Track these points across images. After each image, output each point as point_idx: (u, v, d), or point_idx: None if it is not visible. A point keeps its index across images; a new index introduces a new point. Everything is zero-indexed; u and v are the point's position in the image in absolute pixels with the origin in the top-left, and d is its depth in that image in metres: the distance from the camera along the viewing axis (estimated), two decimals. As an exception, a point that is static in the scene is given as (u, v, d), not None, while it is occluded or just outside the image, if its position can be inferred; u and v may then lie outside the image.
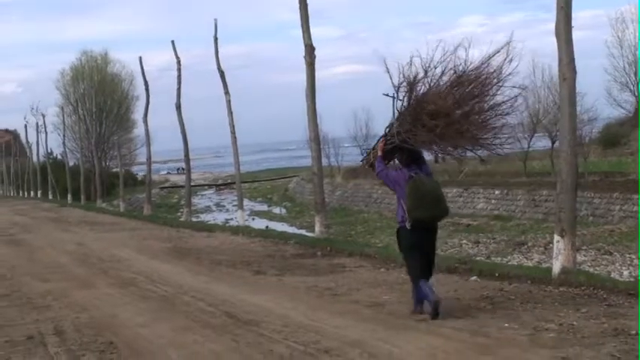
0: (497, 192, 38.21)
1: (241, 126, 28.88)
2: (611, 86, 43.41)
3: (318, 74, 19.61)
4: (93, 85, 68.87)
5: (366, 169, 10.85)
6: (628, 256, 23.00)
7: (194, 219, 34.69)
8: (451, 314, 9.51)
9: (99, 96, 66.45)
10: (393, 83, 9.95)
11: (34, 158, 70.97)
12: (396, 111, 10.11)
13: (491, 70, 9.83)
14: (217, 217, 46.62)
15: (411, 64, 9.80)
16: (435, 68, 9.79)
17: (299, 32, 19.49)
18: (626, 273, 20.72)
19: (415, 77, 9.80)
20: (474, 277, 12.56)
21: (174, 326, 9.99)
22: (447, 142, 9.92)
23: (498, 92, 9.92)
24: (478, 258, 22.18)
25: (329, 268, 14.77)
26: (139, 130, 64.52)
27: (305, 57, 19.47)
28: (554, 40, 11.74)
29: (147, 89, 37.54)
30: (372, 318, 9.83)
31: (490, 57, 9.84)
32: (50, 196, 61.57)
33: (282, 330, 9.31)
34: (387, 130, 10.18)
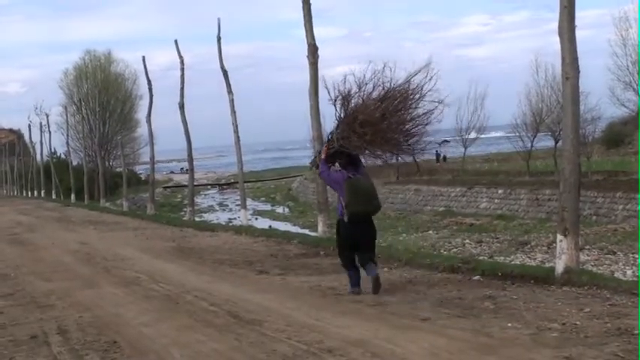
0: (500, 191, 38.25)
1: (244, 125, 28.86)
2: (615, 85, 43.28)
3: (321, 73, 19.61)
4: (96, 84, 69.07)
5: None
6: (631, 255, 23.02)
7: (197, 218, 34.73)
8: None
9: (102, 95, 66.67)
10: (330, 97, 11.64)
11: (38, 158, 71.02)
12: (335, 120, 11.67)
13: (414, 87, 11.50)
14: (220, 217, 46.70)
15: (345, 81, 11.45)
16: (367, 84, 11.44)
17: (302, 32, 19.50)
18: (629, 272, 20.75)
19: (349, 92, 11.44)
20: (477, 277, 12.55)
21: (177, 325, 10.00)
22: (375, 148, 11.56)
23: (419, 105, 11.61)
24: (481, 257, 22.20)
25: (332, 267, 14.73)
26: (142, 130, 64.77)
27: (308, 56, 19.47)
28: (558, 39, 11.74)
29: (150, 89, 37.54)
30: (375, 317, 9.83)
31: (412, 75, 11.50)
32: (54, 196, 61.59)
33: (285, 329, 9.31)
34: (330, 136, 11.78)
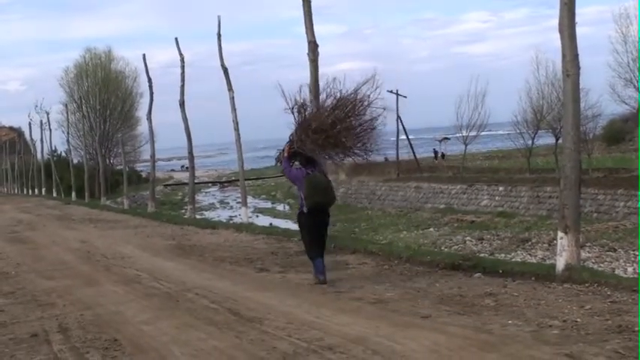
0: (501, 188, 38.25)
1: (245, 123, 28.83)
2: (615, 82, 43.26)
3: (321, 71, 19.58)
4: (97, 82, 69.15)
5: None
6: (632, 252, 23.03)
7: (198, 216, 34.76)
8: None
9: (103, 93, 66.75)
10: (287, 105, 12.94)
11: (38, 156, 71.07)
12: (293, 125, 12.94)
13: (361, 96, 12.88)
14: (221, 215, 46.76)
15: (300, 91, 13.01)
16: (320, 94, 13.05)
17: (302, 29, 19.47)
18: (630, 269, 20.76)
19: (304, 101, 12.99)
20: (478, 274, 12.55)
21: (177, 323, 10.00)
22: (326, 151, 12.85)
23: (366, 112, 12.98)
24: (482, 254, 22.22)
25: (332, 265, 14.73)
26: (142, 128, 64.76)
27: (308, 54, 19.42)
28: (558, 36, 11.73)
29: (151, 86, 37.56)
30: (376, 315, 9.83)
31: (360, 85, 12.90)
32: (54, 194, 61.62)
33: (286, 327, 9.32)
34: (290, 138, 12.92)
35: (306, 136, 12.49)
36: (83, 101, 66.10)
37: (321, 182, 12.42)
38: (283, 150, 13.08)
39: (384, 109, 13.22)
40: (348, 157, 13.63)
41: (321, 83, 13.16)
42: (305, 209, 12.49)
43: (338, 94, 12.94)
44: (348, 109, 12.87)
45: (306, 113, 12.90)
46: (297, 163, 12.65)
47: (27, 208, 44.71)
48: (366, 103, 12.95)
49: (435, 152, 73.52)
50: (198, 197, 55.57)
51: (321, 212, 12.55)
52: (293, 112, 12.94)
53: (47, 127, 63.81)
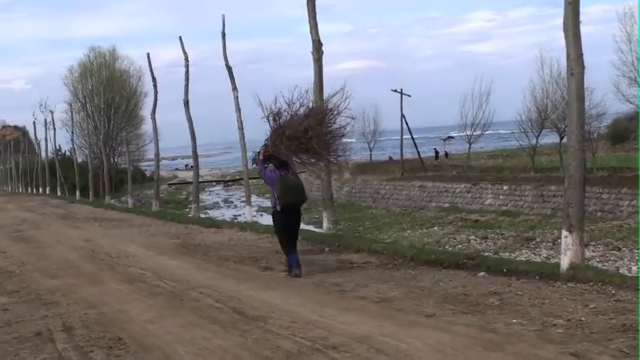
0: (505, 187, 38.23)
1: (249, 122, 28.78)
2: (620, 81, 43.15)
3: (325, 70, 19.59)
4: (101, 81, 69.14)
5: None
6: (636, 251, 23.00)
7: (202, 215, 34.72)
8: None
9: (107, 92, 66.67)
10: (264, 113, 14.11)
11: (43, 155, 71.16)
12: (269, 131, 14.01)
13: (331, 106, 14.34)
14: (225, 214, 46.80)
15: (276, 101, 14.02)
16: (294, 104, 13.93)
17: (307, 28, 19.48)
18: (634, 268, 20.74)
19: (279, 110, 13.95)
20: (482, 273, 12.55)
21: (182, 322, 10.01)
22: (298, 155, 13.93)
23: (336, 121, 14.27)
24: (486, 253, 22.20)
25: (337, 264, 14.76)
26: (147, 127, 64.78)
27: (312, 53, 19.45)
28: (563, 35, 11.72)
29: (155, 85, 37.53)
30: (380, 314, 9.82)
31: (331, 96, 14.56)
32: (59, 193, 61.71)
33: (290, 326, 9.32)
34: (265, 142, 13.96)
35: (280, 142, 13.54)
36: (87, 100, 66.10)
37: (294, 184, 13.54)
38: (259, 153, 14.22)
39: (353, 119, 14.83)
40: (319, 162, 14.97)
41: (296, 93, 13.98)
42: (278, 208, 13.53)
43: (310, 104, 14.46)
44: (320, 117, 14.14)
45: (281, 121, 13.92)
46: (271, 165, 13.84)
47: (31, 207, 44.75)
48: (336, 112, 14.33)
49: (436, 152, 73.44)
50: (203, 196, 55.59)
51: (293, 211, 13.62)
52: (268, 120, 14.08)
53: (52, 126, 63.92)
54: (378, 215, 40.11)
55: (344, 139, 14.75)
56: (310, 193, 53.69)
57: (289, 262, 13.60)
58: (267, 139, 14.00)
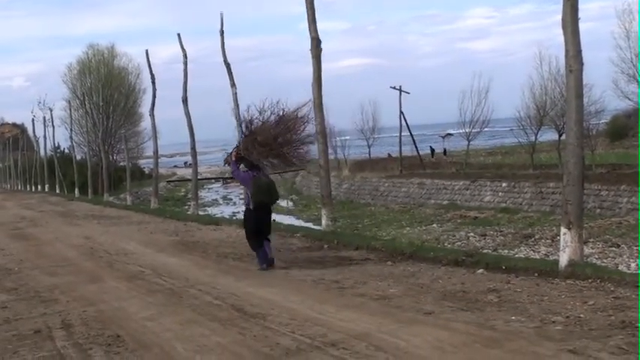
0: (504, 184, 38.23)
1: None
2: (619, 78, 43.09)
3: (324, 67, 19.58)
4: (100, 78, 69.12)
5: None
6: (635, 248, 23.00)
7: (201, 212, 34.69)
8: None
9: (106, 89, 66.68)
10: (237, 121, 15.61)
11: (42, 152, 71.20)
12: (242, 136, 15.04)
13: (300, 115, 15.22)
14: (224, 211, 46.73)
15: (248, 110, 15.13)
16: (266, 112, 14.90)
17: (306, 25, 19.47)
18: (633, 265, 20.74)
19: (251, 118, 14.95)
20: (481, 270, 12.55)
21: (181, 319, 10.01)
22: (268, 160, 14.82)
23: (304, 129, 15.24)
24: (485, 251, 22.24)
25: (336, 261, 14.78)
26: (145, 124, 64.75)
27: (311, 50, 19.45)
28: (561, 31, 11.71)
29: (153, 82, 37.53)
30: (379, 311, 9.83)
31: (300, 106, 15.34)
32: (57, 190, 61.73)
33: (289, 323, 9.32)
34: (238, 144, 14.90)
35: (252, 147, 14.46)
36: (86, 97, 65.89)
37: (266, 184, 14.51)
38: (231, 154, 15.16)
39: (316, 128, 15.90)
40: (288, 166, 15.99)
41: (266, 103, 14.98)
42: (251, 206, 14.47)
43: (281, 112, 15.16)
44: (289, 125, 15.01)
45: (253, 127, 14.88)
46: (242, 166, 14.82)
47: (30, 204, 44.74)
48: (304, 120, 15.36)
49: (432, 149, 73.35)
50: (201, 193, 55.57)
51: (264, 209, 14.57)
52: (241, 126, 15.39)
53: (50, 123, 64.00)
54: (376, 212, 40.11)
55: (311, 145, 15.89)
56: (309, 190, 53.75)
57: (259, 257, 14.38)
58: (238, 142, 15.09)
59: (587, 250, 17.37)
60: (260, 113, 15.02)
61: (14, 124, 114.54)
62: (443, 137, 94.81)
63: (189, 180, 50.83)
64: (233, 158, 14.89)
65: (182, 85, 32.55)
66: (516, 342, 7.90)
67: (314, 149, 17.04)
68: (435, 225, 33.45)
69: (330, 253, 16.08)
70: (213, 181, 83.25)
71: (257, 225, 14.44)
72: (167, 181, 72.60)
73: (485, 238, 27.82)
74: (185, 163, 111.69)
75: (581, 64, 11.66)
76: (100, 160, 55.16)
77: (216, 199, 61.41)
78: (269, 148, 14.50)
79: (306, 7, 19.39)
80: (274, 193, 14.82)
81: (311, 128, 15.75)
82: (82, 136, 66.98)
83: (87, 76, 71.07)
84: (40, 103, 65.19)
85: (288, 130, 14.92)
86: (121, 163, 66.94)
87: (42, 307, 11.63)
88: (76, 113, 66.83)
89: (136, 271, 14.98)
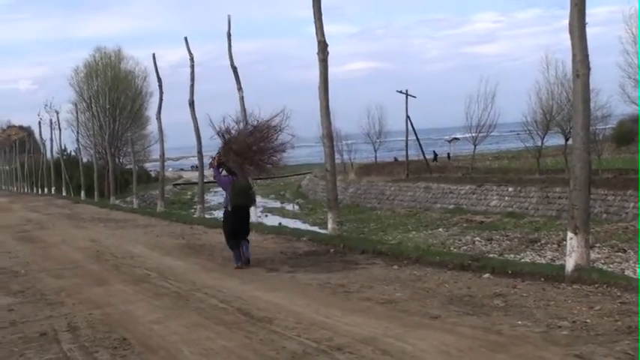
0: (510, 189, 38.15)
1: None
2: (625, 83, 42.98)
3: (331, 70, 19.59)
4: (106, 81, 69.10)
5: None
6: (643, 253, 22.88)
7: (207, 216, 34.74)
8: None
9: (112, 93, 66.71)
10: (214, 130, 16.10)
11: (48, 155, 71.25)
12: (220, 145, 15.90)
13: (274, 124, 16.07)
14: (230, 214, 46.64)
15: (224, 120, 16.05)
16: (241, 122, 16.41)
17: (313, 29, 19.47)
18: (640, 270, 20.64)
19: (228, 128, 15.94)
20: (487, 275, 12.54)
21: (187, 323, 10.02)
22: (244, 167, 15.54)
23: (278, 138, 16.12)
24: (491, 255, 22.15)
25: (342, 265, 14.77)
26: (152, 127, 64.75)
27: (318, 53, 19.45)
28: (569, 36, 11.71)
29: (160, 86, 37.61)
30: (385, 315, 9.83)
31: (274, 116, 16.11)
32: (64, 193, 61.78)
33: (295, 327, 9.32)
34: (219, 152, 15.88)
35: (228, 155, 15.51)
36: (93, 100, 65.98)
37: (243, 188, 15.51)
38: (214, 159, 16.10)
39: (293, 136, 16.55)
40: (262, 172, 16.87)
41: (242, 114, 16.47)
42: (229, 208, 15.50)
43: (255, 122, 16.32)
44: (263, 134, 15.97)
45: (229, 137, 15.81)
46: (224, 171, 15.79)
47: (36, 207, 44.83)
48: (278, 130, 16.18)
49: (435, 154, 73.31)
50: (208, 197, 55.51)
51: (242, 210, 15.52)
52: (219, 135, 16.05)
53: (57, 126, 64.08)
54: (382, 216, 40.06)
55: (284, 154, 16.57)
56: (316, 194, 53.78)
57: (235, 257, 15.40)
58: (219, 149, 16.00)
59: (593, 255, 17.35)
60: (236, 123, 16.38)
61: (21, 127, 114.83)
62: (449, 141, 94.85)
63: (195, 183, 50.86)
64: (215, 164, 15.94)
65: (189, 88, 32.61)
66: (522, 347, 7.90)
67: (300, 154, 18.56)
68: (441, 229, 33.39)
69: (336, 257, 16.07)
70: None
71: (234, 226, 15.37)
72: (173, 184, 72.77)
73: (491, 243, 27.76)
74: (191, 166, 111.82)
75: (588, 68, 11.66)
76: (106, 163, 55.16)
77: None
78: (243, 156, 15.49)
79: (313, 11, 19.40)
80: (251, 195, 16.06)
81: (284, 137, 16.41)
82: (88, 138, 66.99)
83: (94, 79, 71.07)
84: (46, 105, 65.43)
85: (262, 139, 15.93)
86: (128, 166, 67.01)
87: (48, 309, 11.66)
88: (83, 116, 66.89)
89: (142, 274, 14.99)
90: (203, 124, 32.46)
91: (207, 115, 16.95)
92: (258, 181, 60.98)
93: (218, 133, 16.05)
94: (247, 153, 15.55)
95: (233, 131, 16.03)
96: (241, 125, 16.40)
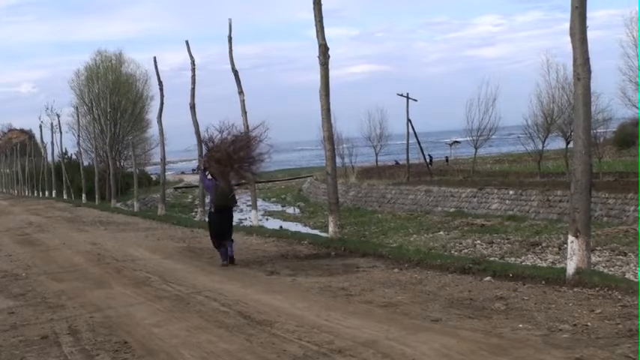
0: (511, 192, 38.12)
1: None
2: (626, 86, 42.95)
3: (332, 74, 19.61)
4: (107, 85, 69.12)
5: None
6: (644, 256, 22.85)
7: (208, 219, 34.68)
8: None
9: (113, 96, 66.69)
10: (199, 139, 17.94)
11: (49, 158, 71.16)
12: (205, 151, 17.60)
13: (254, 135, 17.53)
14: (231, 217, 46.65)
15: (207, 130, 17.63)
16: (223, 131, 17.05)
17: (314, 32, 19.48)
18: (640, 274, 20.62)
19: (211, 137, 17.24)
20: (488, 278, 12.55)
21: (188, 326, 10.02)
22: (225, 174, 16.60)
23: (258, 146, 17.27)
24: (492, 258, 22.13)
25: (343, 268, 14.78)
26: (153, 130, 64.80)
27: (319, 57, 19.46)
28: (570, 39, 11.72)
29: (161, 89, 37.57)
30: (386, 318, 9.83)
31: (255, 127, 17.93)
32: (65, 196, 61.77)
33: (296, 330, 9.33)
34: (204, 158, 17.32)
35: (211, 162, 16.79)
36: (94, 104, 65.98)
37: (225, 190, 16.62)
38: (201, 163, 17.39)
39: (271, 147, 17.70)
40: (241, 179, 18.26)
41: (225, 124, 17.17)
42: (212, 209, 16.95)
43: (236, 132, 17.54)
44: (243, 144, 17.08)
45: (212, 145, 17.11)
46: (208, 175, 16.99)
47: (37, 210, 44.84)
48: (257, 140, 17.35)
49: (430, 157, 73.24)
50: (208, 200, 55.54)
51: (224, 212, 16.71)
52: (203, 143, 17.52)
53: (58, 129, 63.99)
54: (383, 219, 40.01)
55: (262, 164, 17.67)
56: (316, 197, 53.78)
57: (221, 255, 16.58)
58: (204, 155, 17.46)
59: (594, 259, 17.35)
60: (220, 132, 17.32)
61: (22, 130, 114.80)
62: (450, 145, 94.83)
63: (196, 186, 50.80)
64: (202, 167, 17.31)
65: (190, 92, 32.60)
66: (523, 350, 7.90)
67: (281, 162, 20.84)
68: (441, 232, 33.34)
69: (337, 260, 16.08)
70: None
71: (218, 225, 16.65)
72: (174, 188, 72.67)
73: (492, 246, 27.72)
74: (193, 169, 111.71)
75: (589, 72, 11.67)
76: (107, 167, 55.14)
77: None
78: (224, 164, 16.57)
79: (314, 15, 19.41)
80: (232, 198, 17.13)
81: (263, 147, 17.54)
82: (89, 142, 66.99)
83: (95, 82, 71.09)
84: (47, 109, 65.32)
85: (242, 149, 16.98)
86: (129, 170, 66.97)
87: (49, 312, 11.66)
88: (84, 119, 66.91)
89: (143, 277, 15.00)
90: (204, 127, 32.56)
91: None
92: (260, 184, 61.05)
93: (202, 141, 17.67)
94: (227, 161, 16.60)
95: (216, 140, 17.15)
96: (224, 134, 17.22)
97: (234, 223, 18.29)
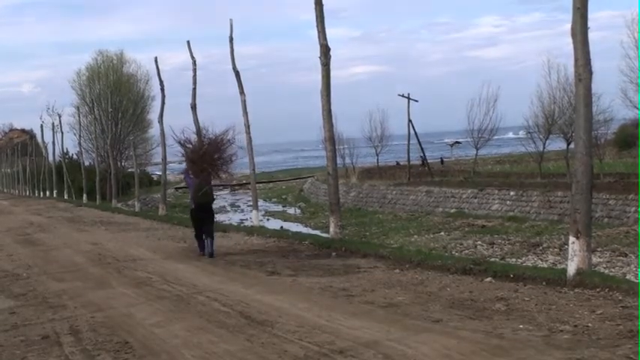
0: (512, 193, 38.08)
1: (257, 126, 28.81)
2: (627, 87, 42.87)
3: (334, 74, 19.61)
4: (109, 85, 69.10)
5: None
6: (644, 257, 22.84)
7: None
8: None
9: (114, 96, 66.66)
10: (176, 141, 19.39)
11: (50, 158, 71.17)
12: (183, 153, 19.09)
13: (228, 137, 18.96)
14: (232, 218, 46.66)
15: (183, 132, 19.35)
16: (201, 133, 18.88)
17: (316, 32, 19.48)
18: (641, 275, 20.61)
19: (187, 139, 19.14)
20: (489, 279, 12.54)
21: (188, 326, 10.02)
22: (202, 173, 18.22)
23: (229, 148, 18.96)
24: (493, 259, 22.12)
25: (343, 268, 14.77)
26: (154, 130, 64.69)
27: (320, 57, 19.46)
28: (571, 40, 11.72)
29: (162, 89, 37.59)
30: (387, 319, 9.83)
31: (226, 130, 19.09)
32: (66, 196, 61.76)
33: (297, 330, 9.33)
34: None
35: (188, 163, 18.63)
36: (95, 104, 65.94)
37: (204, 188, 18.18)
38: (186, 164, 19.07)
39: (241, 148, 20.48)
40: (216, 178, 19.46)
41: (200, 126, 19.22)
42: (193, 206, 18.74)
43: (210, 135, 19.04)
44: (215, 146, 18.51)
45: (189, 146, 18.80)
46: (191, 174, 18.56)
47: (38, 210, 44.86)
48: (229, 142, 18.93)
49: (425, 158, 73.14)
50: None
51: (204, 207, 18.37)
52: (180, 145, 19.09)
53: (59, 129, 64.06)
54: (384, 220, 39.95)
55: (231, 164, 19.25)
56: (317, 197, 53.77)
57: (199, 246, 18.28)
58: (183, 154, 19.10)
59: (595, 259, 17.34)
60: (197, 135, 19.21)
61: (23, 130, 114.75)
62: (451, 146, 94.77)
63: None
64: (186, 167, 19.00)
65: (191, 92, 32.59)
66: (524, 351, 7.90)
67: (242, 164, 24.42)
68: (442, 233, 33.31)
69: (337, 260, 16.08)
70: (221, 187, 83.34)
71: (198, 219, 18.33)
72: (175, 188, 72.66)
73: (493, 247, 27.69)
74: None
75: (591, 72, 11.67)
76: (108, 167, 55.16)
77: (224, 206, 61.38)
78: (199, 164, 18.14)
79: (316, 15, 19.41)
80: (210, 195, 18.74)
81: (234, 149, 19.40)
82: (90, 142, 66.94)
83: (96, 82, 71.09)
84: (48, 109, 65.32)
85: (215, 151, 18.44)
86: (130, 170, 66.89)
87: (50, 312, 11.67)
88: (85, 119, 66.91)
89: (144, 277, 15.00)
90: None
91: (170, 128, 20.49)
92: (261, 184, 61.03)
93: (179, 143, 19.11)
94: (201, 161, 18.19)
95: (193, 142, 19.10)
96: (201, 136, 19.36)
97: (215, 220, 19.63)
